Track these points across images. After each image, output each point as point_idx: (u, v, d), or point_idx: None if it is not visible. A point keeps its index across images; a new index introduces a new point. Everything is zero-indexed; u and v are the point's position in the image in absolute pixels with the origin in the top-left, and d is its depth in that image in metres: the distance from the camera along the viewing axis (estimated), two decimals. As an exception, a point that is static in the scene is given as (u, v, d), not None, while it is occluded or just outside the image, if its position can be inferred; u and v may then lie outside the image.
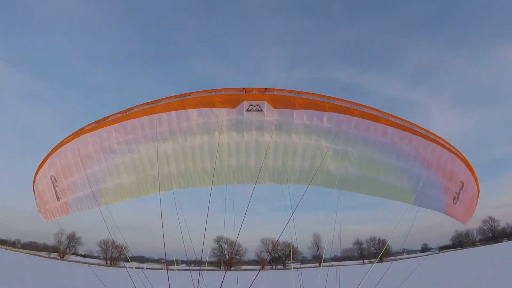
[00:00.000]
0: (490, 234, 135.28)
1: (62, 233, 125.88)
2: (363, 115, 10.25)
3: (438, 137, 10.97)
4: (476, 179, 11.93)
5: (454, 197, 11.28)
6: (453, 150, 11.04)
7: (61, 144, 12.62)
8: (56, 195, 13.40)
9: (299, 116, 10.16)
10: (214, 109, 10.13)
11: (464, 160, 11.27)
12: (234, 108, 10.10)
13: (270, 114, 10.13)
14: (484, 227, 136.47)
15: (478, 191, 11.96)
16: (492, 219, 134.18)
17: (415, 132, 10.69)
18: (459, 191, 11.25)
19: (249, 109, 10.11)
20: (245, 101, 10.09)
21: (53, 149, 13.09)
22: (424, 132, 10.77)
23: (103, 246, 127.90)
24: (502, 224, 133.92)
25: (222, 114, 10.12)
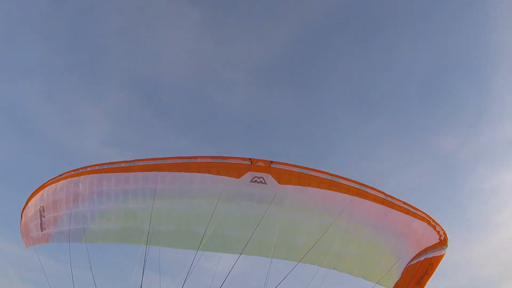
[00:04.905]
0: None
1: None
2: (367, 196, 10.33)
3: (425, 213, 10.98)
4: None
5: None
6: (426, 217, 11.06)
7: (59, 179, 12.53)
8: (41, 225, 13.34)
9: (303, 193, 10.17)
10: (218, 177, 10.13)
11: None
12: (238, 178, 10.11)
13: (274, 188, 10.12)
14: None
15: None
16: None
17: (415, 215, 10.76)
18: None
19: (253, 180, 10.12)
20: (249, 172, 10.12)
21: (49, 181, 12.99)
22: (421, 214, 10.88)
23: None
24: None
25: (226, 182, 10.10)
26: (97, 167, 11.54)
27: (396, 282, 11.51)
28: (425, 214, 10.86)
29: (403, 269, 11.12)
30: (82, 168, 11.94)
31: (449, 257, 11.61)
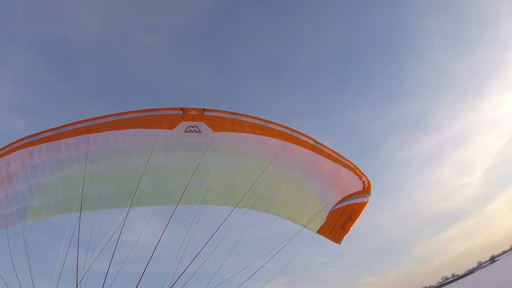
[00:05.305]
0: None
1: None
2: (298, 141, 10.76)
3: (352, 163, 11.58)
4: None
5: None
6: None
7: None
8: None
9: (237, 139, 10.34)
10: (151, 130, 10.02)
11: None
12: (172, 129, 10.06)
13: (209, 136, 10.19)
14: None
15: None
16: None
17: (343, 164, 11.41)
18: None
19: (187, 130, 10.12)
20: (183, 122, 10.10)
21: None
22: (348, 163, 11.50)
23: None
24: None
25: (160, 135, 10.03)
26: (25, 141, 10.96)
27: (321, 226, 12.15)
28: (352, 164, 11.47)
29: (327, 213, 11.72)
30: (8, 145, 11.33)
31: (363, 221, 12.36)
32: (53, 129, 10.49)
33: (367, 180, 11.68)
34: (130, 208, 9.68)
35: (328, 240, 12.70)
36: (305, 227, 11.76)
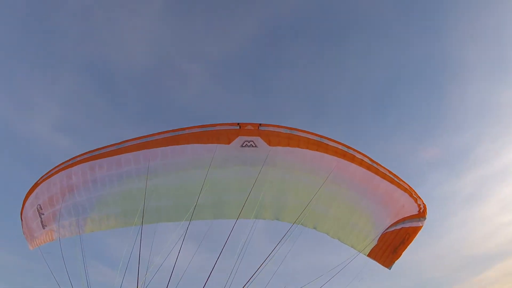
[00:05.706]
0: None
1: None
2: (353, 159, 10.37)
3: (408, 185, 11.02)
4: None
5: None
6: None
7: (50, 175, 12.39)
8: (41, 223, 13.27)
9: (292, 154, 10.19)
10: (209, 145, 10.08)
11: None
12: (228, 144, 10.07)
13: (265, 150, 10.11)
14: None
15: None
16: None
17: (399, 185, 10.86)
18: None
19: (244, 145, 10.09)
20: (239, 137, 10.09)
21: (40, 178, 12.84)
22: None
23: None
24: None
25: (217, 150, 10.06)
26: (86, 156, 11.40)
27: (372, 249, 11.62)
28: (408, 185, 10.95)
29: (379, 236, 11.23)
30: (71, 159, 11.80)
31: (400, 259, 11.74)
32: (113, 144, 10.83)
33: (423, 203, 11.07)
34: (188, 222, 9.78)
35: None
36: (360, 252, 11.32)
